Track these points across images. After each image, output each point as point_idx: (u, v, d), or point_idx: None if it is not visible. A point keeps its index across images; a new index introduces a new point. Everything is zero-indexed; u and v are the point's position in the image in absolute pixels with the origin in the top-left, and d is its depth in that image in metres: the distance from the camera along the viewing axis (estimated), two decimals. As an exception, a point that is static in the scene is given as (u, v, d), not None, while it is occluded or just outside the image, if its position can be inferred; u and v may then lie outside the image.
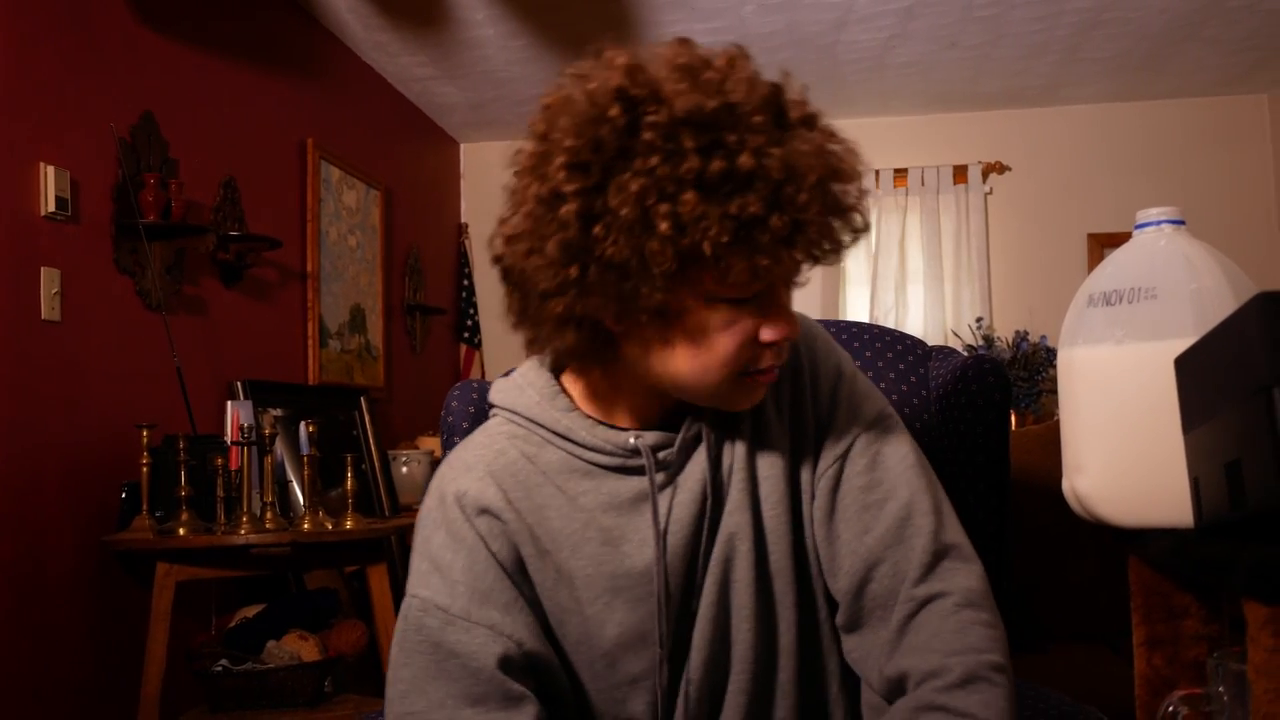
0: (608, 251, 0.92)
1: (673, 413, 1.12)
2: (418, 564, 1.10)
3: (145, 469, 2.65)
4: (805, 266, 1.00)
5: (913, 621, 1.08)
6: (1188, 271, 1.01)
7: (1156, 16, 4.43)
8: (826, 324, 1.83)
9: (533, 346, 1.06)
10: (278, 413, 3.31)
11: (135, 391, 2.90)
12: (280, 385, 3.53)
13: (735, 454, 1.12)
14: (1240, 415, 0.80)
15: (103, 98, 2.84)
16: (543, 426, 1.12)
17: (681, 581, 1.11)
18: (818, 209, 0.93)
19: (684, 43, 0.97)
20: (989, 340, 5.29)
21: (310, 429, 2.86)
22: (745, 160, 0.90)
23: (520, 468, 1.11)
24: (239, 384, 3.28)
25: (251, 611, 2.95)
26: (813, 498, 1.15)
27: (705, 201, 0.90)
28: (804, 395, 1.16)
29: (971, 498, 1.70)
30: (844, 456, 1.14)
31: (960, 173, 5.70)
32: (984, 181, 5.69)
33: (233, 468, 2.83)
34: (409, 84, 4.96)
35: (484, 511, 1.08)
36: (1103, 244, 5.51)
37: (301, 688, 2.75)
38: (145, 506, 2.66)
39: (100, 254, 2.81)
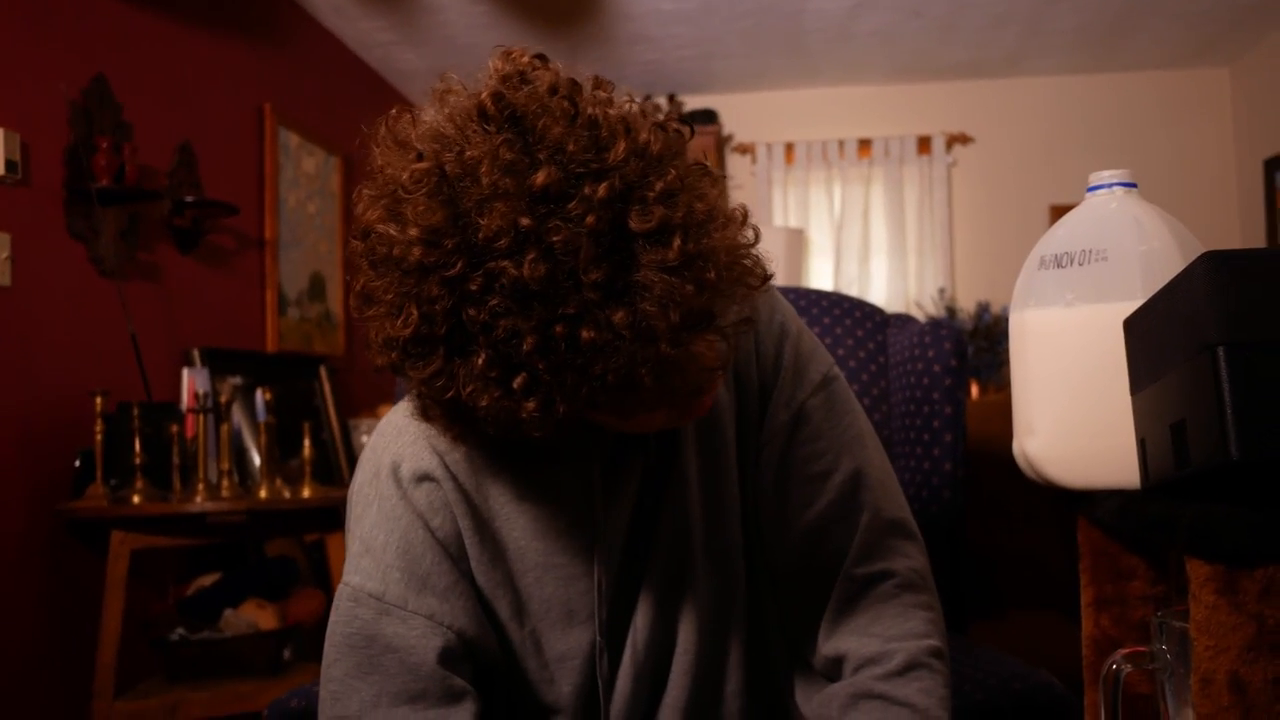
0: (482, 412, 0.82)
1: None
2: (349, 545, 1.03)
3: (99, 436, 2.62)
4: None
5: (853, 601, 1.07)
6: (1137, 233, 1.01)
7: (1119, -12, 4.45)
8: (785, 291, 1.83)
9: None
10: (236, 381, 3.28)
11: (89, 358, 2.86)
12: (238, 353, 3.50)
13: (682, 430, 1.08)
14: (1186, 375, 0.81)
15: (53, 59, 2.79)
16: None
17: (620, 561, 1.07)
18: (685, 348, 0.80)
19: (507, 128, 0.79)
20: (951, 311, 5.32)
21: (267, 397, 2.83)
22: (587, 334, 0.76)
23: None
24: (195, 351, 3.24)
25: (209, 580, 2.93)
26: (756, 467, 1.12)
27: (560, 369, 0.78)
28: (749, 356, 1.11)
29: (928, 463, 1.71)
30: (789, 424, 1.11)
31: (924, 144, 5.71)
32: (948, 152, 5.71)
33: (188, 435, 2.80)
34: (369, 49, 4.90)
35: (423, 479, 1.01)
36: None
37: (260, 656, 2.74)
38: (99, 474, 2.63)
39: (52, 219, 2.77)
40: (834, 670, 1.09)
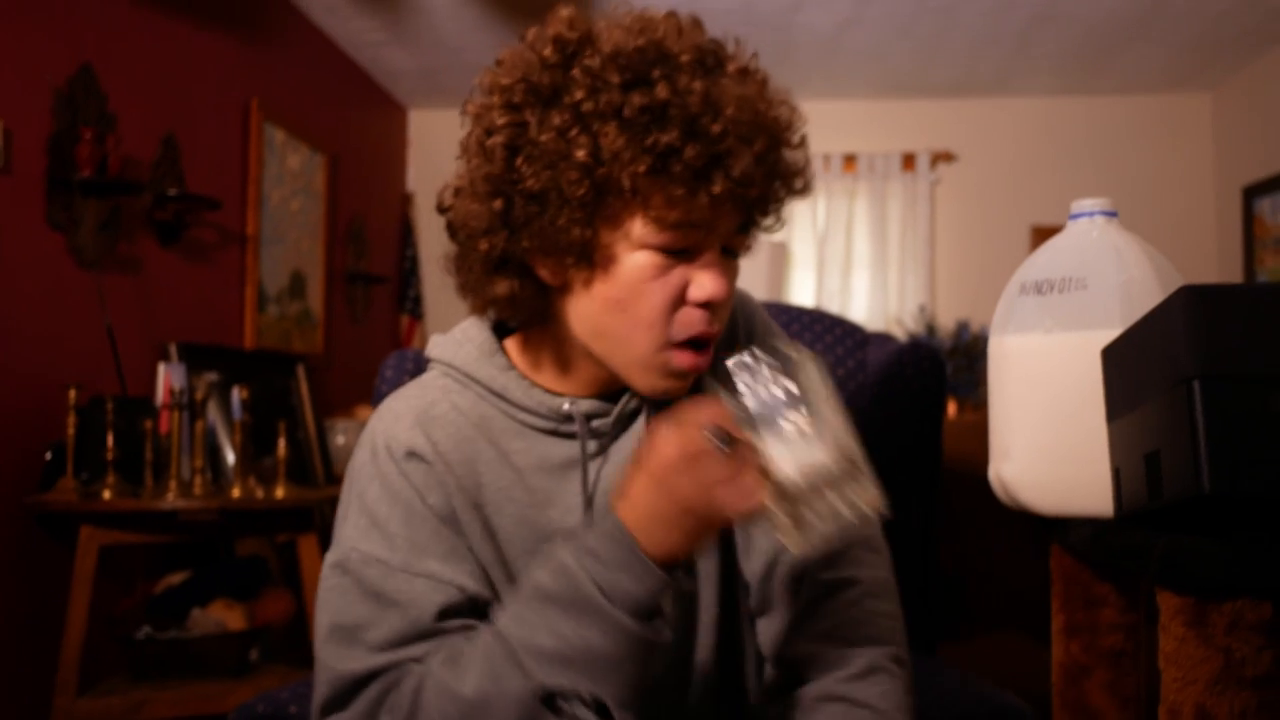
0: (528, 183, 0.95)
1: (614, 387, 1.10)
2: (355, 519, 1.06)
3: (71, 430, 2.60)
4: (738, 223, 1.00)
5: (817, 605, 1.10)
6: (1117, 263, 1.01)
7: (1105, 13, 4.47)
8: (766, 305, 1.83)
9: (465, 292, 1.07)
10: (213, 377, 3.26)
11: (64, 350, 2.84)
12: (216, 349, 3.47)
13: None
14: (1161, 406, 0.81)
15: (39, 47, 2.77)
16: (478, 382, 1.10)
17: None
18: (735, 143, 0.93)
19: (639, 11, 1.00)
20: (931, 328, 5.33)
21: (243, 395, 2.82)
22: (662, 92, 0.91)
23: (451, 419, 1.08)
24: (172, 346, 3.22)
25: (177, 578, 2.91)
26: None
27: (623, 133, 0.92)
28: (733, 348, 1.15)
29: (904, 479, 1.71)
30: None
31: (909, 160, 5.73)
32: (932, 170, 5.73)
33: (162, 431, 2.78)
34: (359, 48, 4.89)
35: (419, 458, 1.05)
36: (1046, 237, 5.56)
37: (226, 657, 2.72)
38: (70, 468, 2.60)
39: (32, 208, 2.74)
40: (798, 675, 1.11)
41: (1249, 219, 5.18)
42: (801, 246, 5.81)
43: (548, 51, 0.96)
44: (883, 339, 1.87)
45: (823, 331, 1.83)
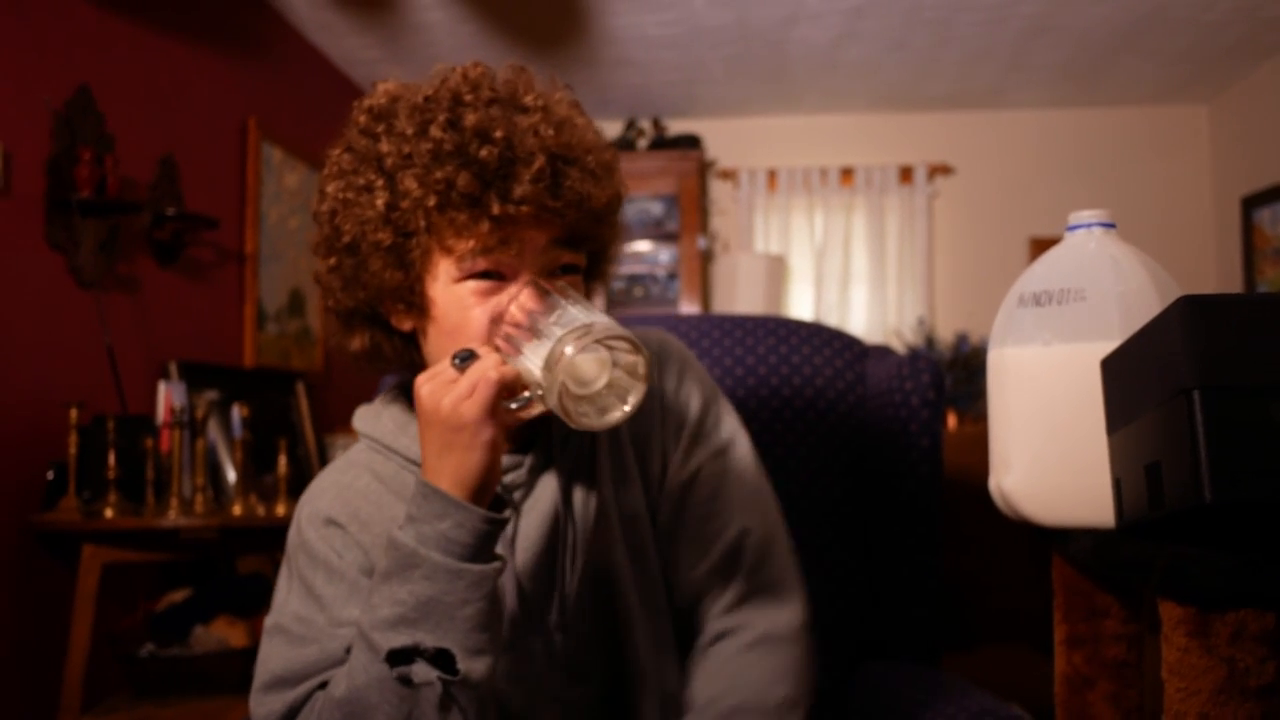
0: (344, 238, 1.02)
1: (524, 439, 1.14)
2: (286, 586, 1.13)
3: (73, 449, 2.60)
4: (547, 240, 1.02)
5: (708, 650, 1.15)
6: (1115, 274, 1.01)
7: (1099, 25, 4.50)
8: (764, 320, 1.84)
9: (336, 350, 1.14)
10: (213, 395, 3.26)
11: (65, 370, 2.84)
12: (215, 367, 3.48)
13: (594, 475, 1.14)
14: (1161, 417, 0.81)
15: (37, 69, 2.78)
16: (396, 452, 1.14)
17: (536, 600, 1.13)
18: (508, 166, 0.97)
19: (474, 66, 1.06)
20: (930, 341, 5.34)
21: (243, 413, 2.82)
22: (437, 131, 0.98)
23: (372, 490, 1.13)
24: (172, 365, 3.22)
25: (179, 596, 2.91)
26: (655, 523, 1.19)
27: (414, 177, 0.98)
28: (654, 416, 1.20)
29: (903, 495, 1.71)
30: (685, 484, 1.18)
31: (906, 173, 5.75)
32: (929, 183, 5.74)
33: (163, 450, 2.78)
34: (355, 66, 4.91)
35: (330, 523, 1.11)
36: (1044, 248, 5.57)
37: (229, 674, 2.71)
38: (72, 487, 2.61)
39: (31, 229, 2.75)
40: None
41: (1248, 229, 5.19)
42: (800, 260, 5.82)
43: (363, 119, 1.04)
44: (882, 352, 1.87)
45: (821, 345, 1.83)
